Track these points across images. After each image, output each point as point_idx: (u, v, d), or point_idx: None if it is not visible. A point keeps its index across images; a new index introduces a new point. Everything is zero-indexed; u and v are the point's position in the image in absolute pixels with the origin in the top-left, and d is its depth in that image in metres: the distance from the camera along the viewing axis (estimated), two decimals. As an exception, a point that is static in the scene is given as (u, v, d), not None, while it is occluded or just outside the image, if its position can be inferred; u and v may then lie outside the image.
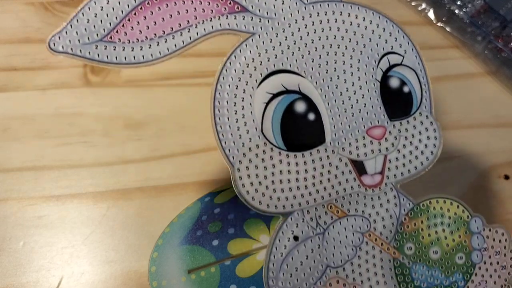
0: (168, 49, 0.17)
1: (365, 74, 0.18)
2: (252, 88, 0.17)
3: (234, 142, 0.17)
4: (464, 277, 0.19)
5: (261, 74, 0.17)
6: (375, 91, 0.18)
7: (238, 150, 0.17)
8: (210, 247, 0.23)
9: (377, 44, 0.19)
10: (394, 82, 0.19)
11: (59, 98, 0.31)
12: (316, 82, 0.18)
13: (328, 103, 0.18)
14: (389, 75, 0.19)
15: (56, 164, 0.29)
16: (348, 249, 0.18)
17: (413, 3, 0.36)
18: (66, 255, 0.26)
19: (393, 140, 0.18)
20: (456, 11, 0.35)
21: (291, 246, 0.17)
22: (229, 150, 0.17)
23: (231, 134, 0.17)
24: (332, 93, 0.18)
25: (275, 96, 0.17)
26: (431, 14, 0.36)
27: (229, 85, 0.17)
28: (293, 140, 0.17)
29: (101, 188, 0.28)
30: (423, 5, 0.36)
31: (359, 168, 0.18)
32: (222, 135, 0.17)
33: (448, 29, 0.35)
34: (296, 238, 0.17)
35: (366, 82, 0.18)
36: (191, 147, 0.30)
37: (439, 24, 0.35)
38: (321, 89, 0.18)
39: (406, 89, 0.19)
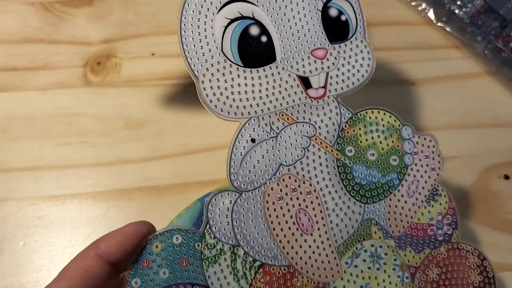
0: None
1: (308, 4, 0.22)
2: (213, 13, 0.20)
3: (198, 59, 0.20)
4: (399, 177, 0.22)
5: (220, 2, 0.20)
6: (317, 19, 0.22)
7: (201, 65, 0.20)
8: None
9: None
10: (333, 12, 0.22)
11: (59, 98, 0.31)
12: (267, 10, 0.21)
13: (278, 28, 0.21)
14: (328, 6, 0.22)
15: (56, 164, 0.29)
16: (297, 150, 0.21)
17: (413, 3, 0.36)
18: (66, 255, 0.26)
19: (334, 60, 0.22)
20: (456, 11, 0.35)
21: (249, 147, 0.20)
22: (194, 65, 0.20)
23: (196, 52, 0.20)
24: (281, 19, 0.21)
25: (232, 21, 0.20)
26: (431, 14, 0.36)
27: (193, 11, 0.20)
28: (248, 58, 0.21)
29: (101, 188, 0.28)
30: (423, 5, 0.36)
31: (305, 83, 0.21)
32: (188, 52, 0.20)
33: (448, 29, 0.35)
34: (253, 140, 0.20)
35: (309, 11, 0.22)
36: (191, 147, 0.30)
37: (439, 24, 0.35)
38: (271, 16, 0.21)
39: (343, 17, 0.23)
